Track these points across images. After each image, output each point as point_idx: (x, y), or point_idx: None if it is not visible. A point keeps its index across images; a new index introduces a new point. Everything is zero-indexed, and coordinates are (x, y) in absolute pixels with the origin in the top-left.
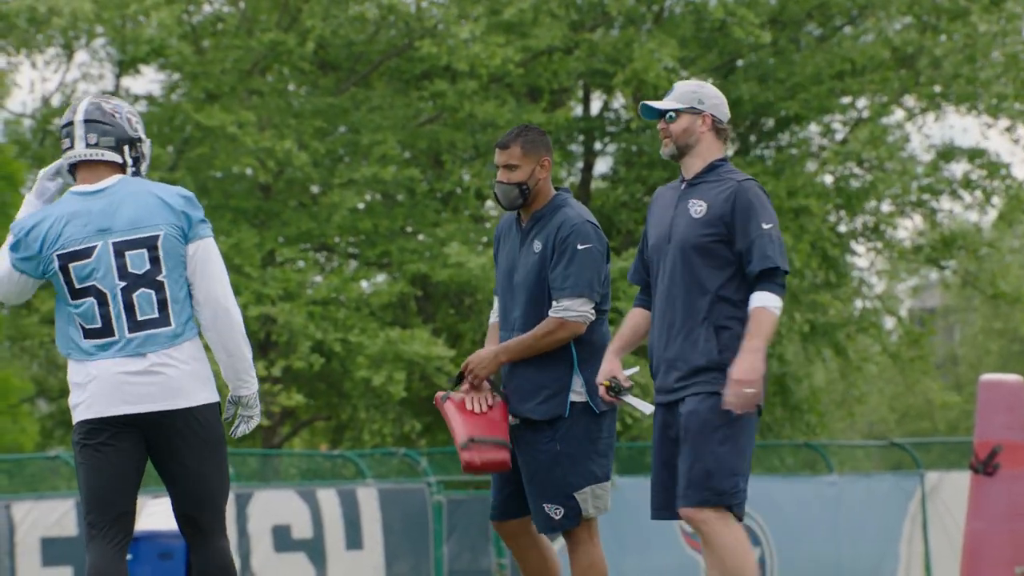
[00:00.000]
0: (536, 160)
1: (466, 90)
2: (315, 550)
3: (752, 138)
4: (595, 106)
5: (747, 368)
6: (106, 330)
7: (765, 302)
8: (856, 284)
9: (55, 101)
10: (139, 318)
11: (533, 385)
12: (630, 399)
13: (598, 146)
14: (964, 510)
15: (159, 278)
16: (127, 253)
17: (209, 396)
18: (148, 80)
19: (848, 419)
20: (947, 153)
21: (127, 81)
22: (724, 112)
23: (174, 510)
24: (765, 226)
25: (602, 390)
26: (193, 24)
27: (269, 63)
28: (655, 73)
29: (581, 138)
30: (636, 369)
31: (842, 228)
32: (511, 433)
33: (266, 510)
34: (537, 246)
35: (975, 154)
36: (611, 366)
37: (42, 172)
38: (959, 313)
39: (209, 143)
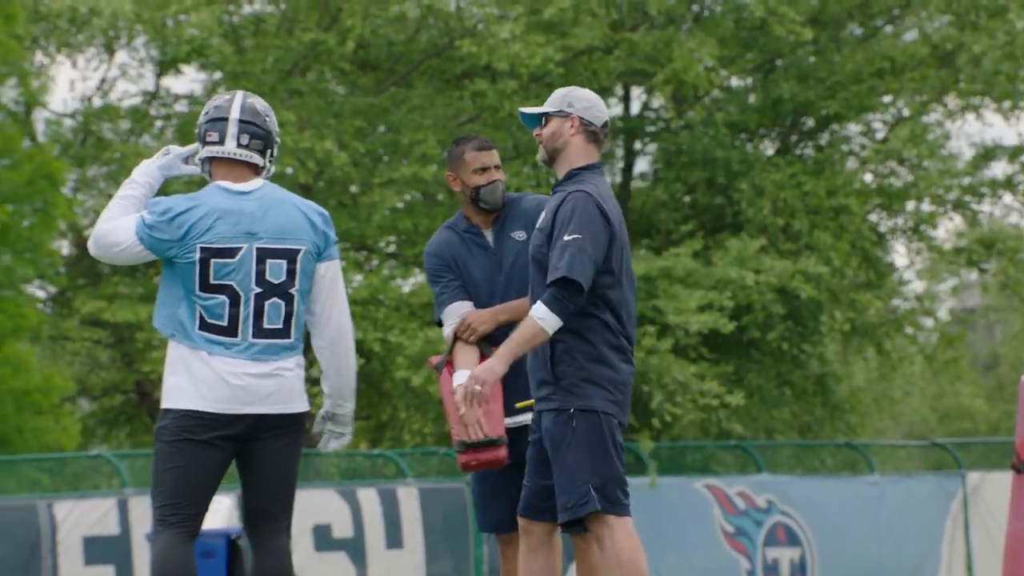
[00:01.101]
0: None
1: (506, 89)
2: (355, 549)
3: (792, 137)
4: (635, 106)
5: (484, 367)
6: (230, 330)
7: (536, 311)
8: (896, 283)
9: (95, 101)
10: (265, 326)
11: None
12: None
13: (638, 146)
14: (1006, 510)
15: (291, 291)
16: (268, 261)
17: (307, 406)
18: (189, 80)
19: (887, 419)
20: (988, 152)
21: (168, 81)
22: (595, 115)
23: (247, 503)
24: (568, 237)
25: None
26: (234, 24)
27: (309, 63)
28: (695, 73)
29: (621, 138)
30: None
31: (882, 227)
32: (527, 430)
33: (307, 509)
34: (520, 235)
35: (1017, 152)
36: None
37: (176, 150)
38: (1000, 312)
39: None
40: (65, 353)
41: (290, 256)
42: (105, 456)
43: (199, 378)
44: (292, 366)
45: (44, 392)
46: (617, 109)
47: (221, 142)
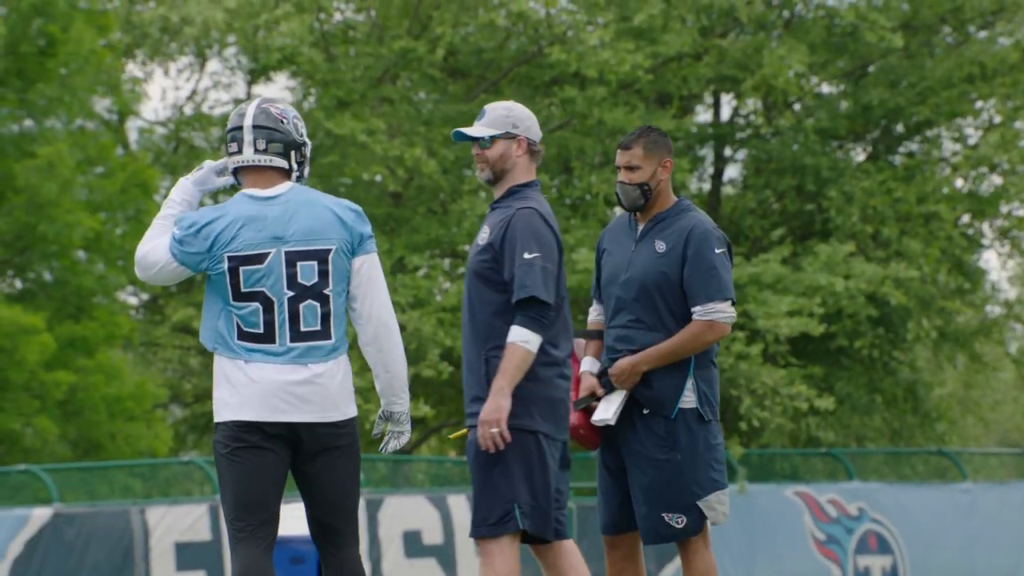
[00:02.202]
0: (658, 161)
1: (595, 96)
2: (445, 555)
3: (882, 144)
4: (725, 112)
5: (490, 409)
6: (267, 336)
7: (516, 336)
8: (988, 290)
9: (187, 109)
10: (302, 329)
11: (651, 381)
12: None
13: (728, 152)
14: None
15: (325, 291)
16: (298, 263)
17: (355, 410)
18: (279, 88)
19: (979, 426)
20: None
21: (259, 89)
22: (536, 132)
23: (309, 517)
24: (527, 255)
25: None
26: (324, 32)
27: (399, 70)
28: (784, 79)
29: (711, 144)
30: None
31: (972, 233)
32: (617, 438)
33: (397, 516)
34: (660, 246)
35: None
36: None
37: (210, 164)
38: None
39: (339, 151)
40: (157, 360)
41: (320, 256)
42: (197, 462)
43: (240, 388)
44: (335, 369)
45: (136, 399)
46: (706, 115)
47: (240, 151)
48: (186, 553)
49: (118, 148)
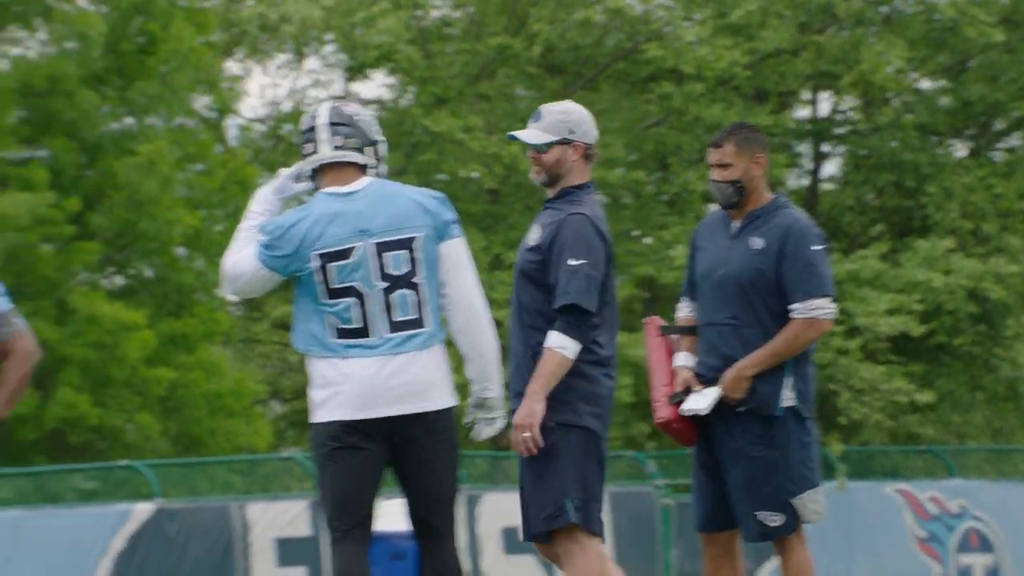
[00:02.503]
0: (750, 157)
1: (692, 93)
2: None
3: (982, 140)
4: (823, 108)
5: (524, 413)
6: (364, 330)
7: (553, 342)
8: None
9: (285, 107)
10: (397, 319)
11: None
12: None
13: (826, 148)
14: None
15: (416, 280)
16: (386, 254)
17: (453, 400)
18: (377, 85)
19: None
20: None
21: (356, 86)
22: (593, 135)
23: (408, 513)
24: (573, 262)
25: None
26: (421, 28)
27: (496, 67)
28: (883, 75)
29: (809, 141)
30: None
31: None
32: (712, 435)
33: (496, 511)
34: (757, 243)
35: None
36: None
37: (285, 171)
38: None
39: (437, 148)
40: (256, 356)
41: (408, 245)
42: (296, 458)
43: (339, 387)
44: (432, 358)
45: (236, 395)
46: (804, 111)
47: (316, 150)
48: (286, 549)
49: (217, 145)
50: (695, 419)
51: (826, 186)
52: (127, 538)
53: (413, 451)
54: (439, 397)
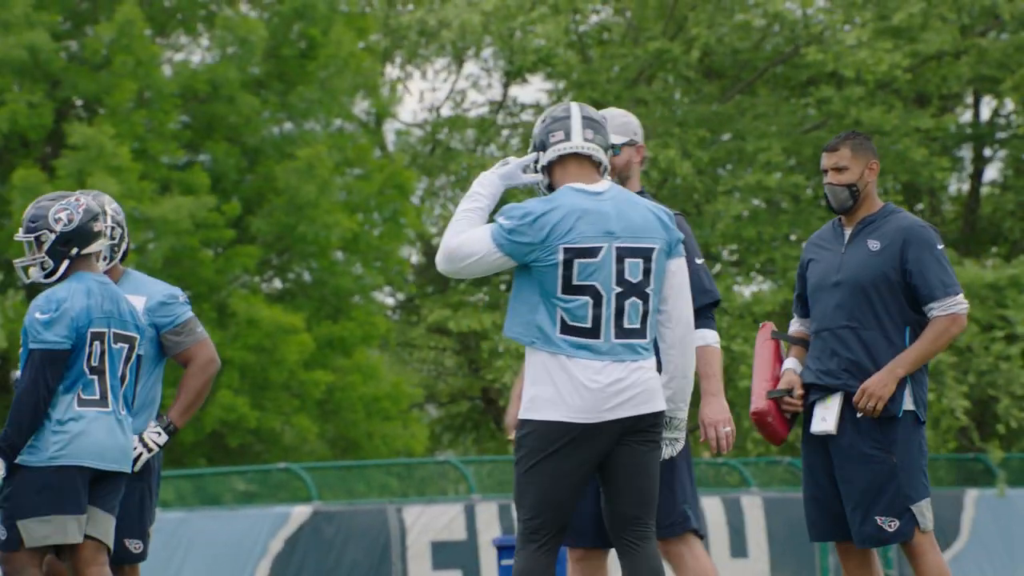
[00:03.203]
0: (865, 163)
1: (852, 96)
2: None
3: None
4: (985, 112)
5: (719, 409)
6: (593, 331)
7: (712, 338)
8: None
9: (444, 111)
10: (625, 325)
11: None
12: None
13: (987, 152)
14: None
15: (647, 290)
16: (627, 260)
17: (664, 403)
18: (535, 89)
19: None
20: None
21: (514, 90)
22: (643, 139)
23: (612, 513)
24: (699, 260)
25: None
26: (579, 33)
27: (654, 71)
28: None
29: (970, 145)
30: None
31: None
32: (831, 443)
33: None
34: (874, 245)
35: None
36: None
37: (515, 160)
38: None
39: None
40: (412, 360)
41: (646, 255)
42: (452, 462)
43: (561, 387)
44: (652, 369)
45: (393, 398)
46: (966, 115)
47: (568, 138)
48: (442, 552)
49: (375, 150)
50: (798, 419)
51: (987, 191)
52: (285, 540)
53: (633, 451)
54: (659, 400)
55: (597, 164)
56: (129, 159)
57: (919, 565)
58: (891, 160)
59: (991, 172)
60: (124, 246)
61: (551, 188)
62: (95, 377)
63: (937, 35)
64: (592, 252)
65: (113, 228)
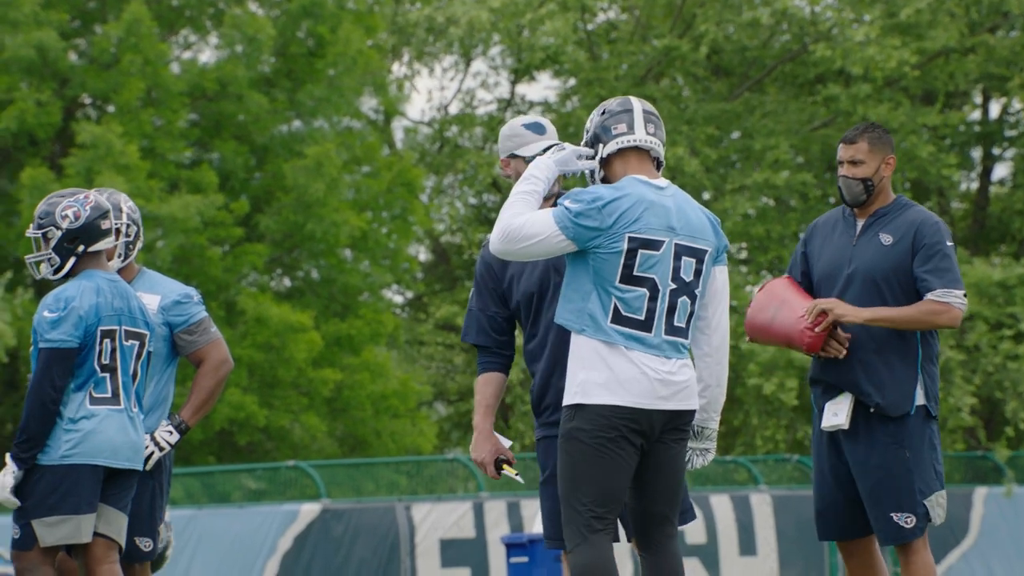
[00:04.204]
0: (881, 157)
1: (859, 94)
2: (709, 555)
3: None
4: (994, 110)
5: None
6: (646, 324)
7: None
8: None
9: (452, 108)
10: (674, 323)
11: (882, 377)
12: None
13: (996, 151)
14: None
15: (696, 291)
16: (683, 258)
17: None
18: (543, 87)
19: None
20: None
21: (522, 88)
22: None
23: (640, 510)
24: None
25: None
26: (588, 31)
27: (662, 69)
28: None
29: (979, 142)
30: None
31: None
32: (843, 441)
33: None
34: (887, 238)
35: None
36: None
37: (570, 146)
38: None
39: None
40: (421, 357)
41: (699, 256)
42: (461, 460)
43: (619, 372)
44: (691, 368)
45: (401, 396)
46: (975, 114)
47: (631, 131)
48: (450, 550)
49: (384, 148)
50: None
51: (996, 189)
52: (294, 538)
53: (669, 448)
54: (696, 400)
55: (655, 160)
56: (137, 158)
57: (909, 564)
58: (898, 157)
59: (1000, 171)
60: (139, 244)
61: (605, 179)
62: (106, 375)
63: (944, 31)
64: (655, 244)
65: (129, 226)
